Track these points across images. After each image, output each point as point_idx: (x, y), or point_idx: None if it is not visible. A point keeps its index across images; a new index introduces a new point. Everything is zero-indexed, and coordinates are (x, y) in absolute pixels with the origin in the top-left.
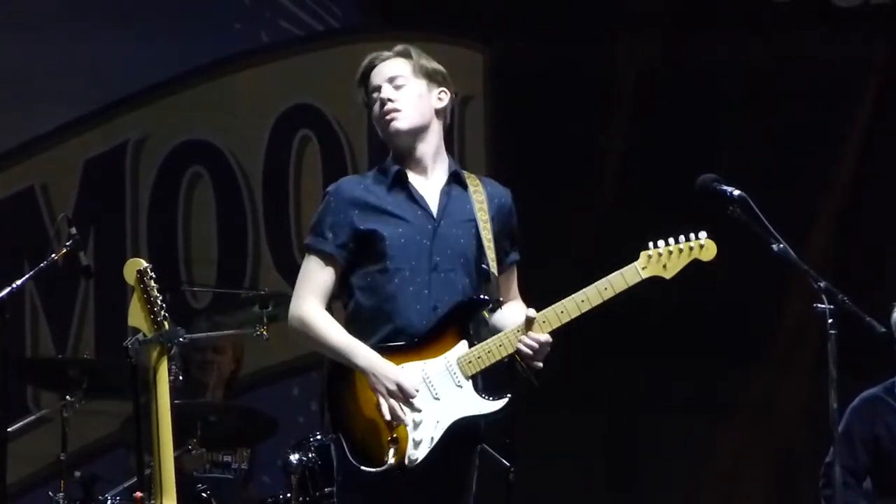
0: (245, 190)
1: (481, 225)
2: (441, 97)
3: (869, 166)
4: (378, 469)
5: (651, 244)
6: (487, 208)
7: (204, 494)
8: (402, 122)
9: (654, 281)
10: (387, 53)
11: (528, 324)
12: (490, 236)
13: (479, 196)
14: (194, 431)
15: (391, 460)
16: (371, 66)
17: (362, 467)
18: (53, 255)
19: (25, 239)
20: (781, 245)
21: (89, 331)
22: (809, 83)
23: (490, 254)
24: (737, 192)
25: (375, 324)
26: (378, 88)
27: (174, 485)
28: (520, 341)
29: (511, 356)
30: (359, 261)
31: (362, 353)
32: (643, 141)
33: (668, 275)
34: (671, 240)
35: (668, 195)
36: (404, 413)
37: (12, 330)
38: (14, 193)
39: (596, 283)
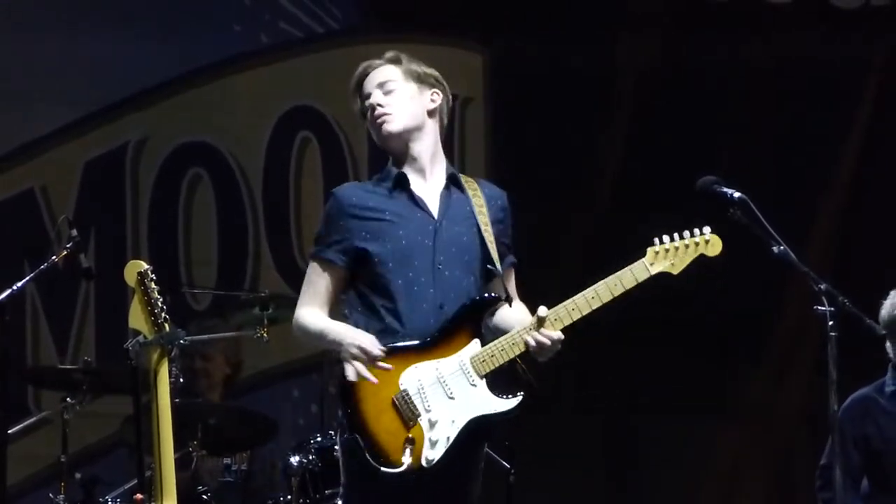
0: (245, 191)
1: (483, 227)
2: (434, 98)
3: (869, 166)
4: (396, 470)
5: (657, 240)
6: (487, 210)
7: (205, 497)
8: (392, 124)
9: (661, 277)
10: (377, 62)
11: (540, 322)
12: (492, 238)
13: (479, 200)
14: (194, 434)
15: (408, 461)
16: (363, 76)
17: (381, 468)
18: (54, 257)
19: (26, 241)
20: (782, 247)
21: (90, 332)
22: (809, 84)
23: (494, 253)
24: (737, 195)
25: (384, 325)
26: (369, 96)
27: (175, 487)
28: (531, 336)
29: (518, 356)
30: (364, 264)
31: (333, 331)
32: (643, 142)
33: (675, 271)
34: (676, 235)
35: (668, 196)
36: (363, 371)
37: (13, 332)
38: (14, 195)
39: (605, 280)
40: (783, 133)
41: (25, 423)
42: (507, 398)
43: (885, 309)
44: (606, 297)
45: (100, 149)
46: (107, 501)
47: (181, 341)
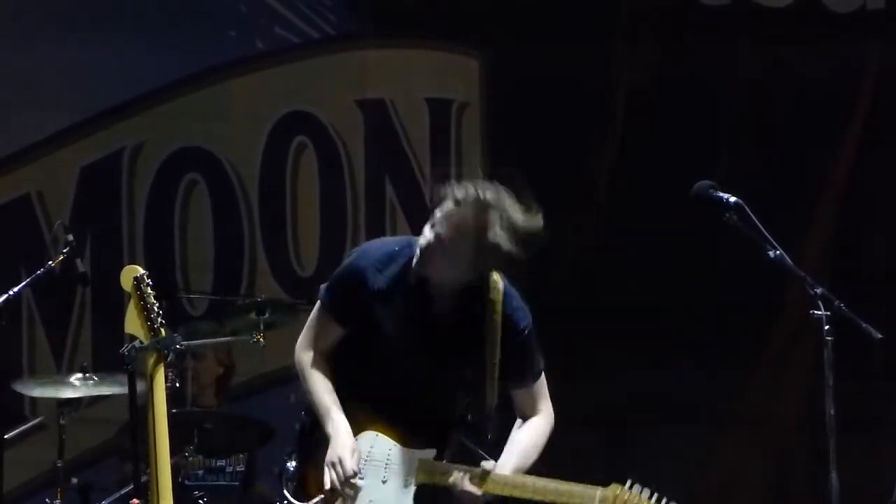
0: (241, 196)
1: (489, 353)
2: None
3: (865, 169)
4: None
5: (628, 482)
6: (500, 337)
7: (202, 501)
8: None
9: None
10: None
11: (483, 475)
12: (495, 374)
13: (494, 324)
14: (191, 439)
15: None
16: (455, 205)
17: (288, 495)
18: (50, 262)
19: (22, 246)
20: (778, 251)
21: (86, 338)
22: (806, 87)
23: (490, 392)
24: (733, 199)
25: (354, 395)
26: (440, 224)
27: (171, 492)
28: (460, 484)
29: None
30: (357, 340)
31: (332, 424)
32: (640, 146)
33: None
34: (645, 492)
35: (665, 201)
36: (336, 484)
37: (9, 337)
38: (10, 200)
39: (558, 484)
40: (780, 137)
41: (22, 428)
42: None
43: None
44: (548, 498)
45: (96, 154)
46: None
47: (177, 346)
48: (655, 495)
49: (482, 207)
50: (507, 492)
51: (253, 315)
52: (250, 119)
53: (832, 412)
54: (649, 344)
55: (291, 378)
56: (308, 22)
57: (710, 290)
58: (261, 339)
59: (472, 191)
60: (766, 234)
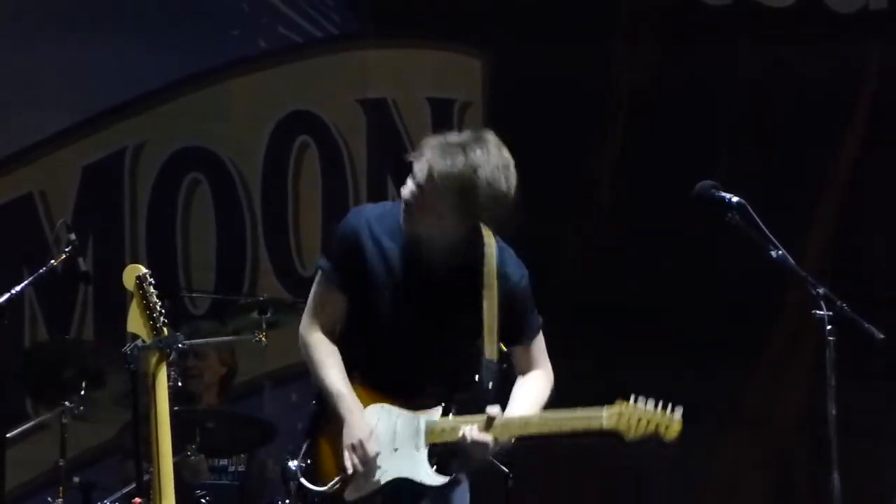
0: (244, 196)
1: (486, 304)
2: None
3: (867, 168)
4: (318, 489)
5: (632, 398)
6: (497, 292)
7: (203, 501)
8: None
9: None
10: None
11: (489, 422)
12: (493, 320)
13: (490, 280)
14: (193, 438)
15: (333, 486)
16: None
17: (303, 481)
18: (52, 262)
19: (24, 245)
20: (780, 251)
21: (88, 336)
22: (807, 88)
23: (489, 336)
24: (735, 199)
25: (356, 362)
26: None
27: (173, 491)
28: (467, 432)
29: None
30: (355, 304)
31: (345, 404)
32: (640, 146)
33: (627, 436)
34: (650, 403)
35: (666, 201)
36: (358, 467)
37: (11, 336)
38: (12, 200)
39: (563, 413)
40: (780, 137)
41: (23, 427)
42: (438, 474)
43: None
44: (555, 429)
45: (98, 153)
46: None
47: (179, 345)
48: (661, 403)
49: (458, 148)
50: (515, 432)
51: (255, 314)
52: (252, 119)
53: (834, 413)
54: (649, 344)
55: (293, 377)
56: (311, 21)
57: (710, 290)
58: (263, 339)
59: (445, 137)
60: (769, 233)
